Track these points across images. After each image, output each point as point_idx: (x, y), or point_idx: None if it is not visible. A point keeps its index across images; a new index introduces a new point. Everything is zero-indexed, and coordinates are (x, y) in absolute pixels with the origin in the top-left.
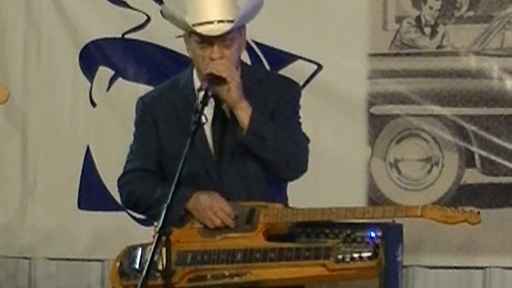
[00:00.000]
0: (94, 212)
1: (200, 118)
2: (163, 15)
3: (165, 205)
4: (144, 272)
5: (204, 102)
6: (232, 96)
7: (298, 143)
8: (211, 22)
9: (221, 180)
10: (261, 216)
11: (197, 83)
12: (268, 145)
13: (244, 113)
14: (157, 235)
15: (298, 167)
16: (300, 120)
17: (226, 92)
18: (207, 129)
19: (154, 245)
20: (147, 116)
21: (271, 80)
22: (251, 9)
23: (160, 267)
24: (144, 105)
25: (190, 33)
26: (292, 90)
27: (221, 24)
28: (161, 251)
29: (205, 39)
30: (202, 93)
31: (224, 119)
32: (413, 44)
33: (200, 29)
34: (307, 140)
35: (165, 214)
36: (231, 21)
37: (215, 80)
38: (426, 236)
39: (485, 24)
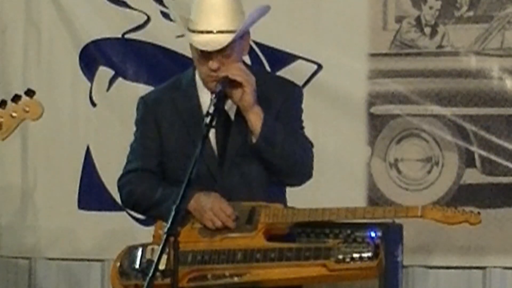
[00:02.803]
0: (94, 212)
1: (212, 120)
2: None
3: (174, 206)
4: (151, 271)
5: (218, 105)
6: (246, 100)
7: (304, 149)
8: (210, 32)
9: (223, 181)
10: (261, 216)
11: (199, 83)
12: (277, 151)
13: (256, 118)
14: (165, 236)
15: (304, 173)
16: (303, 124)
17: (240, 96)
18: (211, 130)
19: (162, 245)
20: (149, 116)
21: (273, 83)
22: (253, 19)
23: (161, 267)
24: (145, 105)
25: None
26: (295, 93)
27: (220, 35)
28: (162, 251)
29: None
30: (215, 95)
31: (227, 121)
32: (413, 44)
33: (197, 39)
34: (311, 145)
35: (174, 215)
36: (232, 31)
37: (229, 83)
38: (426, 236)
39: (485, 24)
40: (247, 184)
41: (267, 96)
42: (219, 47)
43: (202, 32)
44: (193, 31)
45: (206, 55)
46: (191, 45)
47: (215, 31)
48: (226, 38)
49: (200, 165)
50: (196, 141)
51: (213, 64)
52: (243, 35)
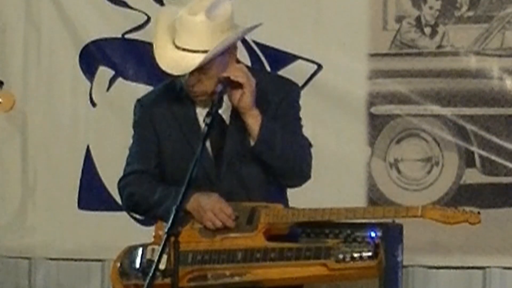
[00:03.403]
0: (94, 212)
1: (213, 121)
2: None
3: (174, 206)
4: (152, 271)
5: (218, 105)
6: (245, 102)
7: (303, 149)
8: (185, 49)
9: (220, 183)
10: (261, 216)
11: None
12: (276, 153)
13: (254, 121)
14: (165, 236)
15: (303, 174)
16: (302, 123)
17: (239, 97)
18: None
19: (162, 245)
20: (145, 118)
21: (271, 82)
22: (224, 45)
23: (161, 266)
24: (142, 107)
25: None
26: (292, 92)
27: (194, 54)
28: (163, 250)
29: None
30: (216, 96)
31: (221, 123)
32: (413, 44)
33: (171, 55)
34: (309, 145)
35: (174, 215)
36: (205, 51)
37: (229, 84)
38: (426, 236)
39: (485, 24)
40: (245, 186)
41: (264, 95)
42: (182, 73)
43: (178, 48)
44: (174, 45)
45: None
46: None
47: (189, 50)
48: (196, 61)
49: (197, 168)
50: (192, 143)
51: (189, 80)
52: (225, 51)
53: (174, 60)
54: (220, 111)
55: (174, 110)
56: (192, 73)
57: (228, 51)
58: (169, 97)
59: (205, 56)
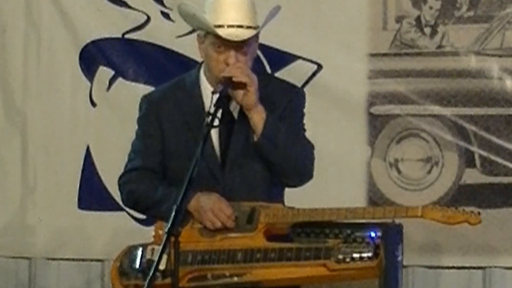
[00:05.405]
0: (94, 212)
1: (213, 120)
2: (179, 12)
3: (175, 206)
4: (152, 271)
5: (219, 105)
6: (249, 100)
7: (306, 149)
8: (231, 26)
9: (225, 182)
10: (261, 216)
11: (204, 84)
12: (279, 151)
13: (258, 117)
14: (165, 235)
15: (305, 173)
16: (305, 127)
17: (243, 96)
18: (213, 130)
19: (162, 245)
20: (152, 114)
21: (277, 85)
22: (270, 17)
23: (161, 266)
24: (148, 103)
25: (206, 34)
26: (299, 97)
27: (240, 29)
28: (163, 250)
29: (223, 43)
30: (216, 96)
31: (230, 120)
32: (413, 44)
33: (220, 32)
34: (312, 146)
35: (175, 215)
36: (250, 27)
37: (231, 84)
38: (427, 236)
39: (485, 24)
40: (249, 185)
41: (271, 99)
42: (245, 37)
43: (221, 26)
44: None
45: (222, 51)
46: (203, 44)
47: (235, 26)
48: (248, 32)
49: (201, 166)
50: (199, 141)
51: (231, 59)
52: (257, 36)
53: (226, 34)
54: (231, 109)
55: (182, 107)
56: (233, 52)
57: (257, 39)
58: (177, 94)
59: (261, 25)
